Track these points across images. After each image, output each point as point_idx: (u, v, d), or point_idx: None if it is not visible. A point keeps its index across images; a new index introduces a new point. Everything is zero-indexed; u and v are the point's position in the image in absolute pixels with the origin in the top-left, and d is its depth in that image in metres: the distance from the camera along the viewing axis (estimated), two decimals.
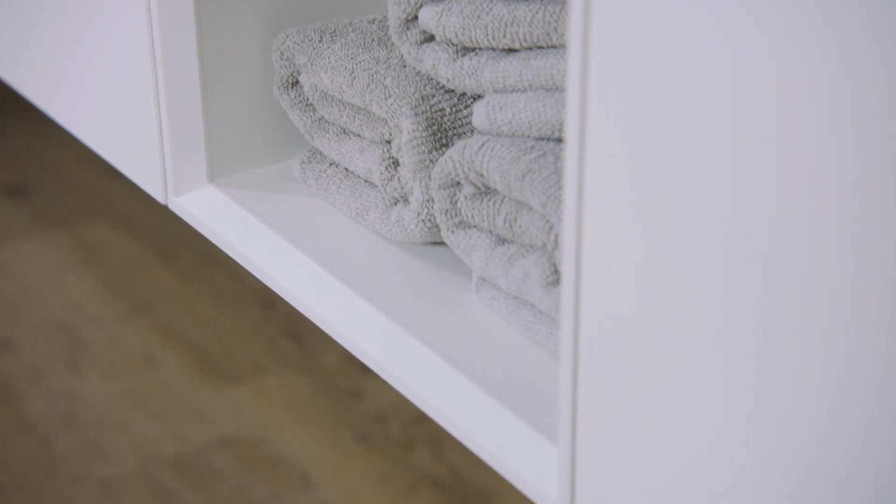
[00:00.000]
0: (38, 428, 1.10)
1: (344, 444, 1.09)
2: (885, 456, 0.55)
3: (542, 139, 0.76)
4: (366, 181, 0.86)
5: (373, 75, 0.82)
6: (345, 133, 0.86)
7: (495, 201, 0.77)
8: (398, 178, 0.83)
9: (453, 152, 0.77)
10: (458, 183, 0.78)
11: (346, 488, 1.05)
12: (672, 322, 0.62)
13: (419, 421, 1.10)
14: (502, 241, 0.78)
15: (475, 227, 0.79)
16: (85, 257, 1.27)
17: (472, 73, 0.78)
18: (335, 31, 0.86)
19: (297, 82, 0.87)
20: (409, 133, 0.80)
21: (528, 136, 0.77)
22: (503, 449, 0.72)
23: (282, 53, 0.86)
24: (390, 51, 0.84)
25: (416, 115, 0.80)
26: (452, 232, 0.79)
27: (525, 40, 0.76)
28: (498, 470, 0.73)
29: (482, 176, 0.77)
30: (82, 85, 0.98)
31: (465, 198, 0.78)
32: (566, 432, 0.67)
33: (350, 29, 0.86)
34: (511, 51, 0.78)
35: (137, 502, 1.04)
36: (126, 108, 0.93)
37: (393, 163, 0.83)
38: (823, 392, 0.57)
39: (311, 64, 0.85)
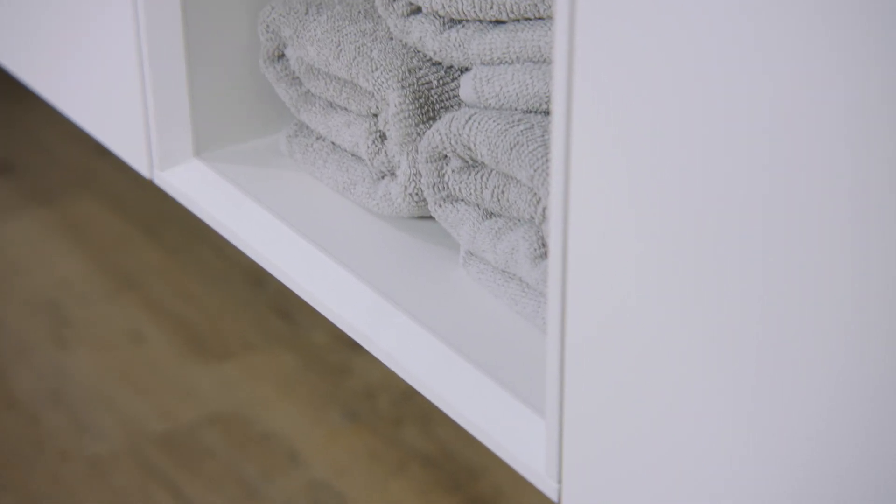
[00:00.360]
0: (26, 405, 1.10)
1: (333, 421, 1.08)
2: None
3: (530, 112, 0.76)
4: (353, 155, 0.85)
5: (359, 48, 0.81)
6: (331, 107, 0.85)
7: (483, 175, 0.77)
8: (385, 152, 0.82)
9: (440, 125, 0.77)
10: (446, 156, 0.78)
11: (334, 465, 1.05)
12: (661, 294, 0.61)
13: (408, 398, 1.10)
14: (490, 214, 0.78)
15: (463, 200, 0.79)
16: (72, 234, 1.27)
17: (460, 46, 0.78)
18: (321, 4, 0.85)
19: (283, 55, 0.86)
20: (395, 106, 0.80)
21: (516, 109, 0.76)
22: (491, 422, 0.72)
23: (267, 26, 0.86)
24: (377, 23, 0.83)
25: (402, 87, 0.79)
26: (440, 206, 0.79)
27: (512, 12, 0.76)
28: (485, 443, 0.72)
29: (469, 149, 0.76)
30: (66, 58, 0.97)
31: (453, 171, 0.78)
32: (553, 406, 0.67)
33: (336, 1, 0.85)
34: (498, 22, 0.77)
35: (126, 479, 1.04)
36: (110, 82, 0.92)
37: (380, 136, 0.82)
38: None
39: (297, 36, 0.84)
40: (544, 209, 0.73)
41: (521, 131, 0.74)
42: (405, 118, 0.80)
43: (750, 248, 0.57)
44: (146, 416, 1.09)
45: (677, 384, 0.62)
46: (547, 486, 0.69)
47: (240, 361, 1.14)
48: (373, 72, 0.80)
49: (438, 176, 0.78)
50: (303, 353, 1.15)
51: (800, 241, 0.55)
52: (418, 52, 0.81)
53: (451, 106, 0.80)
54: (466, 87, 0.77)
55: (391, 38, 0.82)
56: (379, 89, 0.80)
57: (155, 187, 1.06)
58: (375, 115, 0.83)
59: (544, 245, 0.74)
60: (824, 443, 0.57)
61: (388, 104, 0.80)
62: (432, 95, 0.80)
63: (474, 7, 0.77)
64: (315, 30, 0.83)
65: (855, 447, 0.56)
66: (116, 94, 0.92)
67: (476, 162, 0.77)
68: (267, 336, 1.16)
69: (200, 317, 1.18)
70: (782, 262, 0.56)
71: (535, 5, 0.75)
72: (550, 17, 0.75)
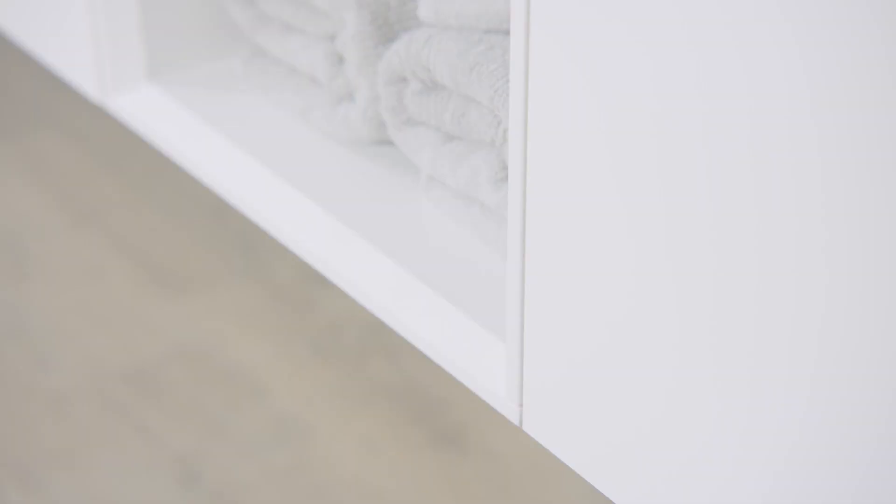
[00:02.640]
0: None
1: (298, 354, 1.08)
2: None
3: (490, 32, 0.75)
4: (311, 79, 0.84)
5: None
6: (288, 29, 0.84)
7: (443, 97, 0.76)
8: (343, 75, 0.81)
9: (399, 47, 0.75)
10: (405, 79, 0.77)
11: (300, 399, 1.04)
12: (620, 216, 0.61)
13: (374, 331, 1.09)
14: (450, 138, 0.77)
15: (423, 124, 0.77)
16: (31, 168, 1.25)
17: None
18: None
19: None
20: (353, 27, 0.78)
21: (476, 29, 0.75)
22: (452, 348, 0.72)
23: None
24: None
25: (360, 8, 0.78)
26: (399, 130, 0.78)
27: None
28: (446, 368, 0.72)
29: (429, 71, 0.75)
30: None
31: (413, 94, 0.77)
32: (514, 330, 0.67)
33: None
34: None
35: (89, 415, 1.03)
36: (57, 1, 0.90)
37: (338, 59, 0.81)
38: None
39: None
40: (505, 131, 0.72)
41: (481, 52, 0.73)
42: (363, 40, 0.78)
43: (715, 164, 0.57)
44: (108, 350, 1.08)
45: (636, 305, 0.61)
46: (508, 410, 0.68)
47: (203, 296, 1.13)
48: None
49: (398, 99, 0.77)
50: (267, 288, 1.14)
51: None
52: None
53: (410, 27, 0.79)
54: (425, 7, 0.76)
55: None
56: (336, 9, 0.79)
57: (113, 121, 1.05)
58: (333, 37, 0.81)
59: (505, 168, 0.73)
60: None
61: (345, 25, 0.79)
62: (391, 16, 0.78)
63: None
64: None
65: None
66: (63, 14, 0.90)
67: (436, 84, 0.76)
68: (230, 270, 1.15)
69: (162, 251, 1.17)
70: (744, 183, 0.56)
71: None
72: None
